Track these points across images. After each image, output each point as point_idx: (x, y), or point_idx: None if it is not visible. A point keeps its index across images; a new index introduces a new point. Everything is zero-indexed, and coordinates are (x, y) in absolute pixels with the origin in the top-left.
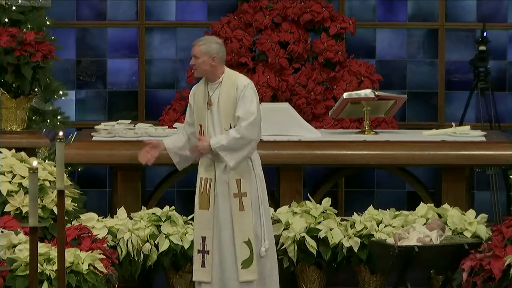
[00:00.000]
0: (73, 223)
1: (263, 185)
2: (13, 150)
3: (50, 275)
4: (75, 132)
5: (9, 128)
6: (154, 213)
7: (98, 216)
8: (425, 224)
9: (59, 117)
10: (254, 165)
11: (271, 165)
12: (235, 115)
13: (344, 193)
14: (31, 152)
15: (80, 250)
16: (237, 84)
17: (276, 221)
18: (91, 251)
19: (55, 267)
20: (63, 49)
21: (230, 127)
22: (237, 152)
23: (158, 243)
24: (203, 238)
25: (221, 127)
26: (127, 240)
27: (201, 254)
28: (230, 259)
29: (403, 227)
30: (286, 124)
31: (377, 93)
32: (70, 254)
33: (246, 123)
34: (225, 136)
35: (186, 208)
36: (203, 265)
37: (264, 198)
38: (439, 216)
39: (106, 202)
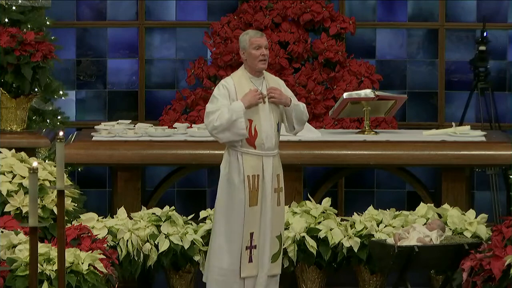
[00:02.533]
0: (73, 223)
1: None
2: (13, 150)
3: (50, 275)
4: (75, 132)
5: (9, 128)
6: (154, 213)
7: (98, 216)
8: (425, 224)
9: (59, 117)
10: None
11: None
12: (283, 111)
13: (344, 193)
14: (31, 152)
15: (80, 250)
16: (278, 81)
17: None
18: (91, 251)
19: (55, 267)
20: (63, 49)
21: (278, 122)
22: (300, 123)
23: (158, 243)
24: (251, 234)
25: (273, 121)
26: (127, 240)
27: (249, 250)
28: (267, 253)
29: (403, 227)
30: None
31: (377, 93)
32: (70, 254)
33: (303, 107)
34: (299, 103)
35: (186, 208)
36: (250, 260)
37: None
38: (439, 216)
39: (106, 202)
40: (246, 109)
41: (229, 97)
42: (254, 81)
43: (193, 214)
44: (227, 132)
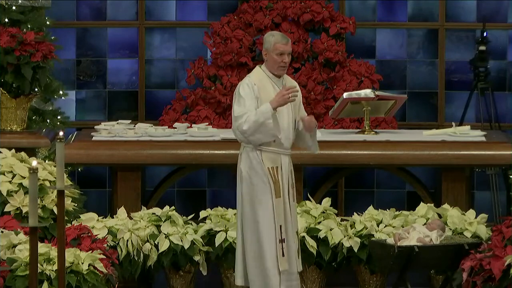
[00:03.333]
0: (73, 223)
1: None
2: (13, 150)
3: (50, 275)
4: (75, 132)
5: (9, 128)
6: (154, 213)
7: (98, 216)
8: (425, 224)
9: (59, 117)
10: None
11: None
12: (298, 111)
13: (344, 193)
14: (31, 152)
15: (80, 250)
16: (295, 85)
17: None
18: (91, 251)
19: (55, 267)
20: (63, 49)
21: (295, 122)
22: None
23: (158, 243)
24: (280, 227)
25: (290, 121)
26: (127, 240)
27: (281, 244)
28: (294, 248)
29: (403, 227)
30: None
31: (377, 93)
32: (70, 254)
33: None
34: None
35: (186, 208)
36: (283, 254)
37: None
38: (439, 216)
39: (106, 202)
40: (274, 111)
41: (254, 96)
42: (274, 82)
43: (193, 214)
44: (257, 134)
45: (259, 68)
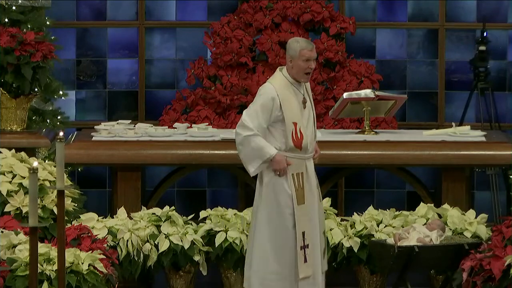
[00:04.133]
0: (73, 223)
1: None
2: (13, 150)
3: (50, 275)
4: (75, 132)
5: (9, 128)
6: (154, 213)
7: (98, 216)
8: (425, 224)
9: (59, 117)
10: None
11: None
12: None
13: (344, 193)
14: (31, 152)
15: (80, 250)
16: (309, 86)
17: None
18: (91, 251)
19: (55, 267)
20: (63, 49)
21: (315, 129)
22: None
23: (158, 243)
24: (303, 233)
25: (313, 124)
26: (127, 240)
27: (304, 250)
28: (318, 249)
29: (403, 227)
30: None
31: (377, 93)
32: (70, 254)
33: None
34: None
35: (186, 208)
36: (305, 260)
37: None
38: (439, 216)
39: (106, 202)
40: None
41: (271, 110)
42: (296, 87)
43: (193, 214)
44: (243, 152)
45: (281, 73)
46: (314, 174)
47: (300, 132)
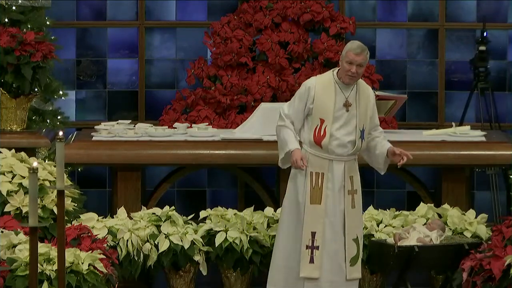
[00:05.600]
0: (73, 223)
1: None
2: (13, 150)
3: (50, 275)
4: (75, 132)
5: (9, 128)
6: (154, 213)
7: (98, 216)
8: (425, 224)
9: (59, 117)
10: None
11: (271, 165)
12: (370, 120)
13: None
14: (31, 152)
15: (80, 250)
16: (369, 94)
17: (276, 221)
18: (91, 251)
19: (55, 267)
20: (63, 49)
21: (363, 129)
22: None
23: (158, 243)
24: (313, 234)
25: (352, 130)
26: (127, 240)
27: (310, 250)
28: (341, 256)
29: (403, 227)
30: None
31: (377, 93)
32: (70, 254)
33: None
34: (386, 141)
35: (186, 208)
36: (311, 261)
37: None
38: (439, 216)
39: (106, 202)
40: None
41: (306, 100)
42: (341, 87)
43: (193, 214)
44: (277, 139)
45: (330, 71)
46: (341, 178)
47: (324, 130)
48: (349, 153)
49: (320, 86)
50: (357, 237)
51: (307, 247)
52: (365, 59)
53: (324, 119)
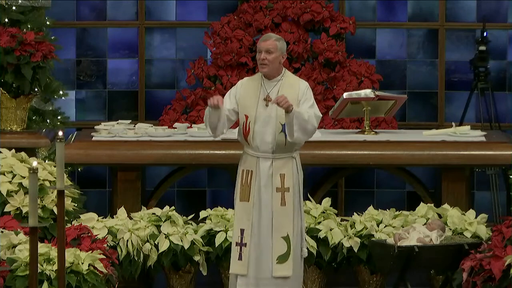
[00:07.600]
0: (73, 223)
1: (302, 184)
2: (13, 150)
3: (50, 275)
4: (75, 132)
5: (9, 128)
6: (154, 213)
7: (98, 216)
8: (425, 224)
9: (59, 117)
10: (297, 162)
11: None
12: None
13: (344, 193)
14: (31, 152)
15: (80, 250)
16: (299, 85)
17: None
18: (91, 251)
19: (55, 267)
20: (63, 49)
21: (285, 123)
22: (302, 132)
23: (158, 243)
24: (242, 231)
25: (276, 121)
26: (127, 240)
27: (239, 247)
28: (267, 253)
29: (403, 227)
30: None
31: (377, 93)
32: (70, 254)
33: (315, 116)
34: (305, 112)
35: (186, 208)
36: (240, 258)
37: (302, 197)
38: (439, 216)
39: (106, 202)
40: (211, 108)
41: (235, 96)
42: (265, 83)
43: (193, 214)
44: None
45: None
46: (269, 175)
47: (249, 127)
48: (274, 149)
49: (247, 84)
50: (287, 235)
51: (236, 244)
52: (273, 45)
53: (247, 115)
